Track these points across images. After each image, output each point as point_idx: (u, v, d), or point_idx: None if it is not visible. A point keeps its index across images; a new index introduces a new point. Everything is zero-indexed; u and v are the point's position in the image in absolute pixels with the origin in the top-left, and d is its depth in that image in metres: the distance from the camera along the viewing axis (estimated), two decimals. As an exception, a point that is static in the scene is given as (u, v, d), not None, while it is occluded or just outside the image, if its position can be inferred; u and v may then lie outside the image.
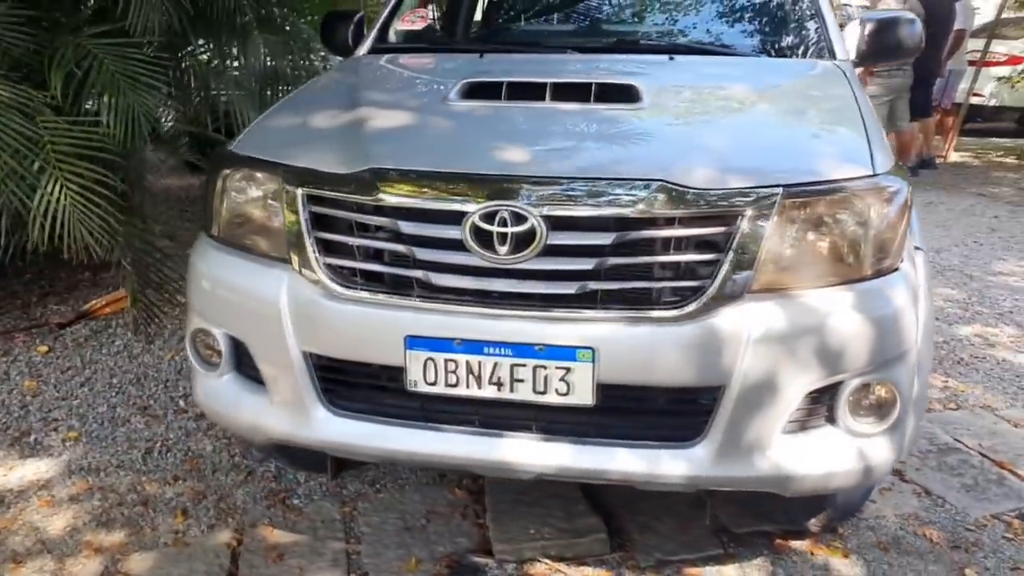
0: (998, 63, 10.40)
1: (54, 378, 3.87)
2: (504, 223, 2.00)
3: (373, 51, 3.25)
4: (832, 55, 2.97)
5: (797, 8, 3.16)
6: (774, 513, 2.66)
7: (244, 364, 2.35)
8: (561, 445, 2.10)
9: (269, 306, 2.19)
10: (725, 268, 1.99)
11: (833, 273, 2.06)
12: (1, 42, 3.98)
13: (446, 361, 2.07)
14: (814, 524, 2.67)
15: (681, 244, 2.02)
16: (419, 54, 3.22)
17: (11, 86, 3.81)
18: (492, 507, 2.83)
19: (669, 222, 2.00)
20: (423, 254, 2.08)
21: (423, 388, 2.10)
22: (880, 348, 2.05)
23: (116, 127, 3.95)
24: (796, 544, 2.69)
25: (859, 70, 8.01)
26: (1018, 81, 10.28)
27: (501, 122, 2.38)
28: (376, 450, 2.21)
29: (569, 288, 2.02)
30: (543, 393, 2.05)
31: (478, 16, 3.53)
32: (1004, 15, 9.84)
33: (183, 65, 4.50)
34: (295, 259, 2.18)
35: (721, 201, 2.00)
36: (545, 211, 2.00)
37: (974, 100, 9.96)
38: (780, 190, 2.02)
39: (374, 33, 3.32)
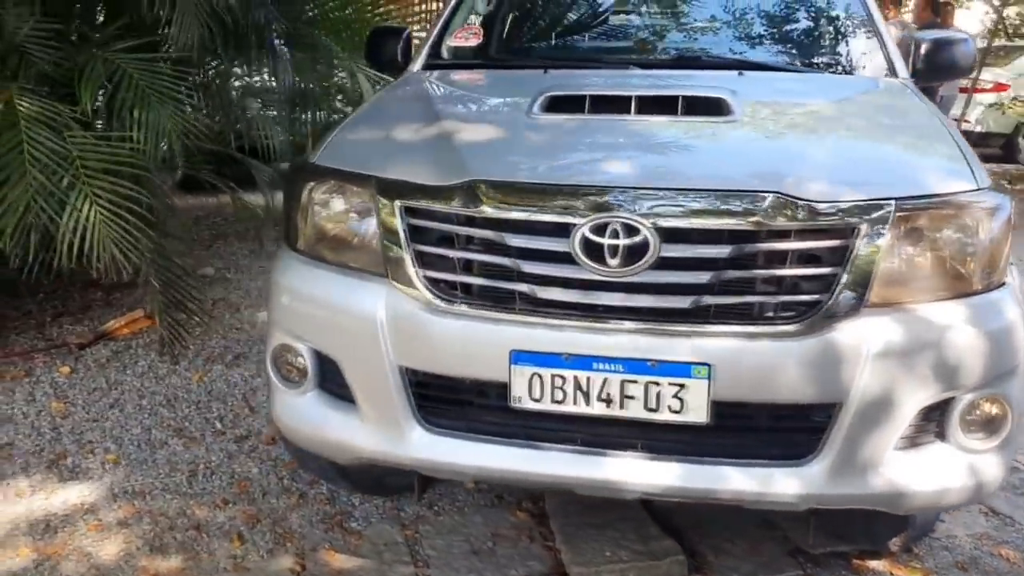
0: (985, 90, 10.61)
1: (82, 399, 3.75)
2: (615, 235, 1.96)
3: (428, 67, 3.21)
4: (894, 73, 2.98)
5: (855, 26, 3.17)
6: (853, 533, 2.62)
7: (330, 381, 2.28)
8: (669, 464, 2.05)
9: (365, 321, 2.13)
10: (843, 281, 1.96)
11: (945, 287, 2.04)
12: (29, 56, 3.90)
13: (553, 376, 2.02)
14: (894, 544, 2.63)
15: (797, 257, 1.98)
16: (477, 70, 3.18)
17: (39, 100, 3.73)
18: (560, 530, 2.76)
19: (785, 235, 1.97)
20: (529, 267, 2.03)
21: (528, 405, 2.04)
22: (993, 363, 2.03)
23: (146, 143, 3.88)
24: (874, 564, 2.66)
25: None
26: (1009, 108, 10.49)
27: (595, 134, 2.34)
28: (472, 469, 2.14)
29: (683, 302, 1.98)
30: (655, 411, 2.00)
31: (524, 33, 3.51)
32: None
33: (209, 81, 4.43)
34: (392, 272, 2.12)
35: (837, 214, 1.98)
36: (657, 223, 1.96)
37: (962, 127, 10.14)
38: (893, 203, 2.00)
39: (427, 49, 3.28)
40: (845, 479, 2.02)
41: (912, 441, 2.06)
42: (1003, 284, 2.11)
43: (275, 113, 4.74)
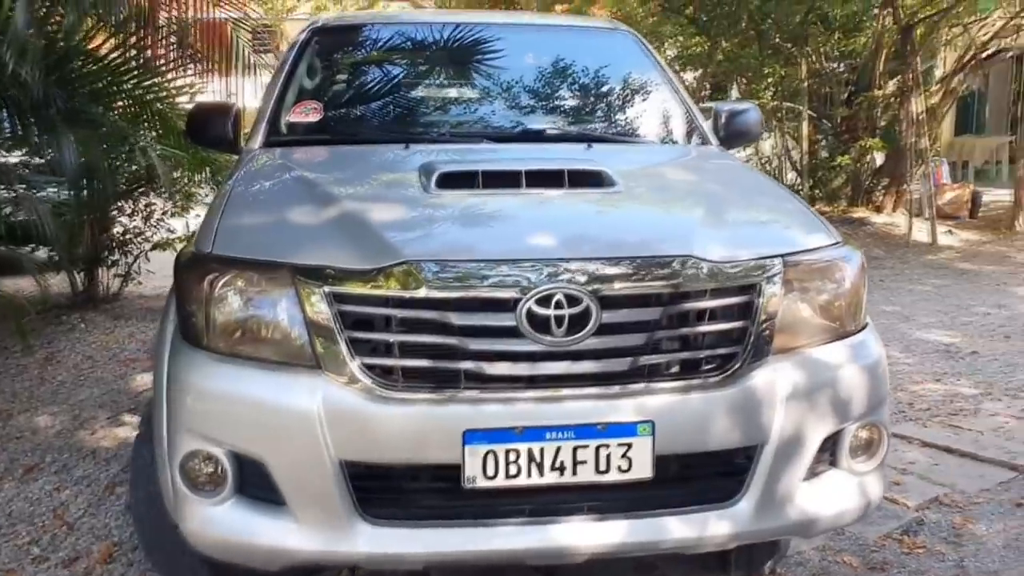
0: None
1: None
2: (559, 306, 2.03)
3: (268, 144, 3.10)
4: (708, 141, 3.33)
5: (668, 100, 3.49)
6: (735, 563, 2.84)
7: (252, 485, 2.11)
8: (616, 522, 2.13)
9: (300, 417, 2.02)
10: (753, 333, 2.16)
11: (828, 331, 2.32)
12: None
13: (507, 452, 2.03)
14: (767, 568, 2.89)
15: (715, 314, 2.17)
16: (328, 146, 3.13)
17: None
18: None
19: (704, 294, 2.15)
20: (475, 344, 2.04)
21: (481, 484, 2.04)
22: (871, 394, 2.33)
23: None
24: (751, 588, 2.89)
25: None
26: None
27: (509, 209, 2.41)
28: (422, 556, 2.08)
29: (623, 365, 2.08)
30: (605, 472, 2.07)
31: (365, 108, 3.50)
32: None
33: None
34: (325, 363, 2.03)
35: (744, 272, 2.19)
36: (596, 291, 2.06)
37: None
38: (780, 260, 2.25)
39: (264, 126, 3.17)
40: (767, 513, 2.21)
41: (813, 471, 2.30)
42: (866, 325, 2.44)
43: (45, 193, 4.28)
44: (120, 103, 4.36)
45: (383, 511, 2.09)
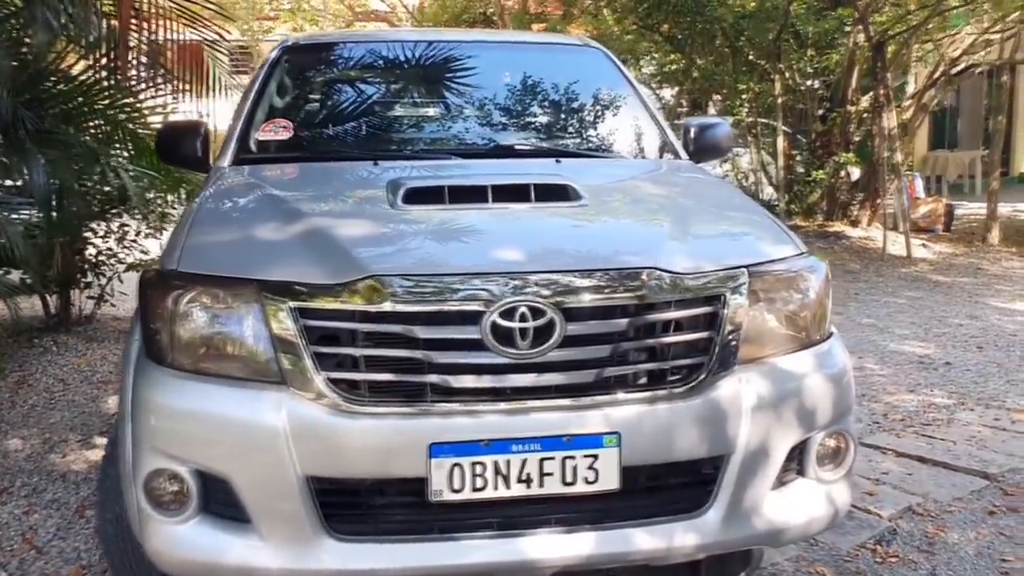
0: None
1: None
2: (524, 318, 2.04)
3: (238, 162, 3.10)
4: (677, 155, 3.36)
5: (636, 115, 3.52)
6: (706, 574, 2.83)
7: (217, 502, 2.10)
8: (584, 535, 2.12)
9: (265, 433, 2.01)
10: (718, 343, 2.18)
11: (793, 340, 2.34)
12: None
13: (473, 464, 2.03)
14: (741, 578, 2.88)
15: (680, 325, 2.18)
16: (297, 163, 3.13)
17: None
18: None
19: (668, 305, 2.16)
20: (440, 357, 2.04)
21: (448, 497, 2.03)
22: (838, 402, 2.34)
23: None
24: (726, 601, 2.88)
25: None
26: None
27: (474, 223, 2.41)
28: (390, 572, 2.07)
29: (588, 376, 2.09)
30: (571, 484, 2.07)
31: (333, 125, 3.51)
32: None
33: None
34: (291, 378, 2.03)
35: (706, 283, 2.21)
36: (560, 303, 2.07)
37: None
38: (745, 270, 2.27)
39: (234, 144, 3.17)
40: (735, 523, 2.21)
41: (781, 480, 2.31)
42: (831, 334, 2.46)
43: (17, 215, 4.25)
44: (92, 124, 4.34)
45: (350, 527, 2.08)
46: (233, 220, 2.52)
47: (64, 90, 4.33)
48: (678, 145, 3.41)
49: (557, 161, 3.06)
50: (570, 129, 3.58)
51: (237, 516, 2.08)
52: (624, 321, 2.12)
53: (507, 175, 2.73)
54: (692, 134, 3.45)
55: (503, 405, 2.06)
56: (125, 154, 4.58)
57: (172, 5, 4.92)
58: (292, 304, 2.05)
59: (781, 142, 11.38)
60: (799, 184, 11.85)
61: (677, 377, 2.16)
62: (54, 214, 4.27)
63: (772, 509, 2.26)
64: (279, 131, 3.23)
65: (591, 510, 2.15)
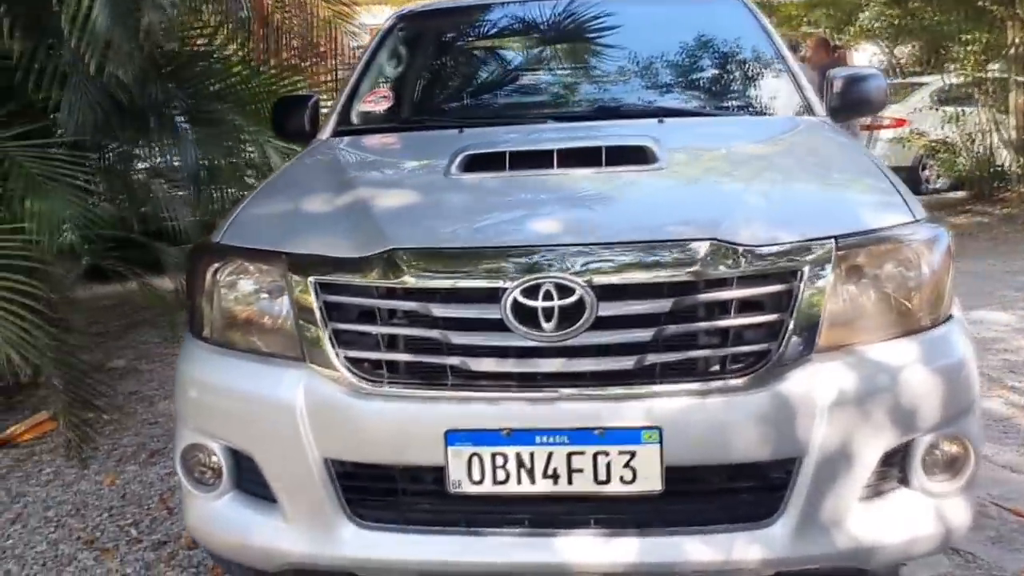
0: (884, 126, 10.98)
1: (-23, 518, 3.41)
2: (549, 297, 1.82)
3: (337, 134, 3.07)
4: (811, 111, 2.96)
5: (769, 68, 3.15)
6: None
7: (248, 480, 2.07)
8: (625, 539, 1.89)
9: (283, 411, 1.94)
10: (790, 328, 1.86)
11: (893, 325, 1.96)
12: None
13: (494, 455, 1.85)
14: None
15: (741, 306, 1.88)
16: (390, 134, 3.05)
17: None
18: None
19: (726, 283, 1.87)
20: (459, 338, 1.88)
21: (468, 488, 1.87)
22: (949, 401, 1.94)
23: (40, 233, 3.63)
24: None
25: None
26: (909, 141, 10.86)
27: (519, 192, 2.23)
28: (413, 564, 1.95)
29: (627, 363, 1.85)
30: (606, 483, 1.85)
31: (436, 93, 3.41)
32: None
33: (110, 164, 4.22)
34: (310, 355, 1.94)
35: (778, 257, 1.89)
36: (592, 280, 1.84)
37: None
38: (832, 242, 1.92)
39: (335, 116, 3.14)
40: (811, 537, 1.89)
41: (876, 490, 1.96)
42: (950, 318, 2.04)
43: (182, 193, 4.52)
44: (239, 101, 4.52)
45: (372, 513, 1.97)
46: (290, 193, 2.47)
47: (216, 69, 4.55)
48: (815, 101, 3.00)
49: (660, 121, 2.77)
50: (685, 87, 3.25)
51: (266, 495, 2.03)
52: (670, 301, 1.85)
53: (584, 138, 2.49)
54: (836, 88, 3.03)
55: (527, 393, 1.86)
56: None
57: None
58: (312, 278, 1.96)
59: (1015, 97, 10.05)
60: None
61: (736, 366, 1.86)
62: (205, 190, 4.50)
63: (860, 523, 1.91)
64: (380, 102, 3.17)
65: (635, 512, 1.91)
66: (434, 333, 1.89)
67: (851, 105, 3.06)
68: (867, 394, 1.87)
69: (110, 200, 4.18)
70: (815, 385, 1.85)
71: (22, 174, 3.66)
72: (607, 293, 1.84)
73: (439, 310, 1.88)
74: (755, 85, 3.14)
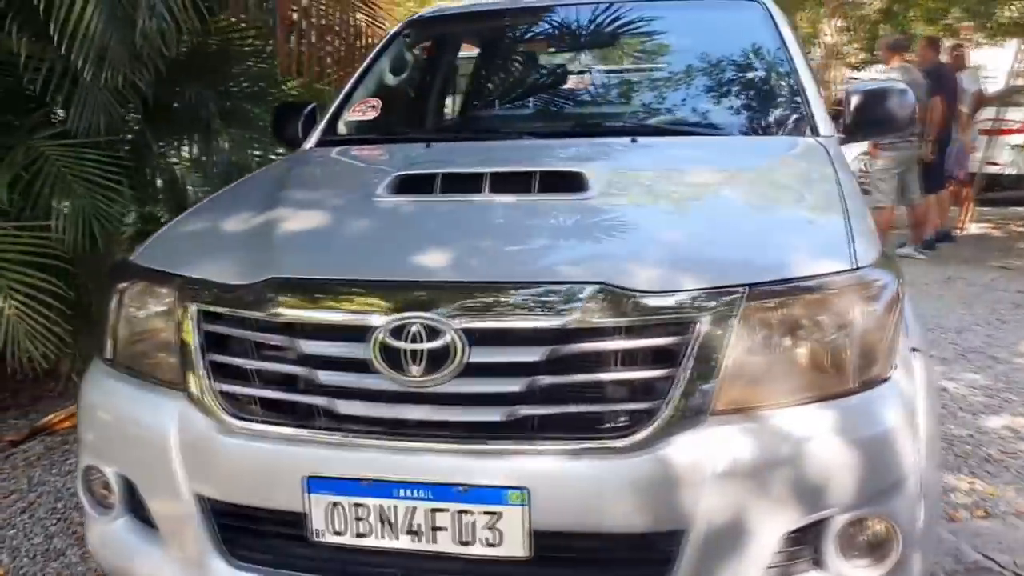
0: (1012, 131, 10.12)
1: (-4, 504, 3.56)
2: (416, 338, 1.70)
3: (321, 143, 3.02)
4: (815, 131, 2.68)
5: (774, 82, 2.89)
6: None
7: (139, 507, 2.03)
8: None
9: (157, 441, 1.89)
10: (681, 386, 1.66)
11: (810, 386, 1.73)
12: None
13: (353, 506, 1.75)
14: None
15: (627, 358, 1.70)
16: (367, 145, 2.98)
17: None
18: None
19: (612, 332, 1.69)
20: (326, 377, 1.77)
21: (329, 539, 1.77)
22: (871, 477, 1.70)
23: (69, 232, 3.75)
24: None
25: (867, 144, 7.66)
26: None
27: (428, 219, 2.10)
28: None
29: (495, 415, 1.70)
30: (468, 543, 1.71)
31: (424, 104, 3.31)
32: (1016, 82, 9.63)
33: (146, 164, 4.32)
34: (187, 386, 1.88)
35: (673, 305, 1.69)
36: (464, 323, 1.70)
37: (990, 169, 9.67)
38: (743, 290, 1.71)
39: (322, 125, 3.10)
40: None
41: (784, 572, 1.73)
42: (886, 379, 1.78)
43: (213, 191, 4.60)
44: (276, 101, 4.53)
45: (246, 554, 1.90)
46: (220, 211, 2.41)
47: (253, 72, 4.59)
48: (822, 119, 2.72)
49: (633, 140, 2.58)
50: (673, 102, 3.01)
51: (152, 523, 2.00)
52: (547, 349, 1.68)
53: (527, 160, 2.33)
54: (853, 104, 2.75)
55: (391, 441, 1.74)
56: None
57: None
58: (195, 305, 1.90)
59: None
60: None
61: (616, 425, 1.69)
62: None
63: (762, 609, 1.70)
64: (367, 111, 3.09)
65: None
66: (302, 370, 1.80)
67: (869, 124, 2.77)
68: (766, 465, 1.66)
69: (144, 200, 4.28)
70: (705, 452, 1.65)
71: (53, 173, 3.78)
72: (480, 337, 1.70)
73: (307, 346, 1.79)
74: (754, 101, 2.88)
